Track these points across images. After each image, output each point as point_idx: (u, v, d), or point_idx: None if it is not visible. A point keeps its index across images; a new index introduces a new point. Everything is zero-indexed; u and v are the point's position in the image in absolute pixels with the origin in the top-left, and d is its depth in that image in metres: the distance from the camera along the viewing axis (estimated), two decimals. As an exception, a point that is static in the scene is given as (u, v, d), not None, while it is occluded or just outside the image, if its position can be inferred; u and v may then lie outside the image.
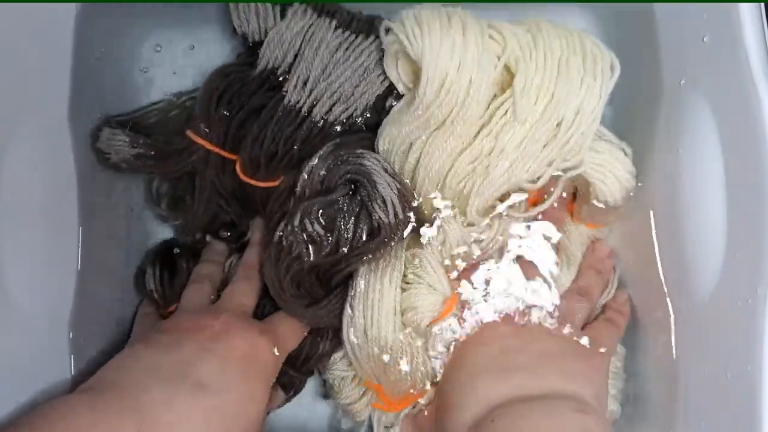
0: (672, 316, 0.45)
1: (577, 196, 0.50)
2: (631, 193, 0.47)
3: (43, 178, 0.47)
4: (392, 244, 0.45)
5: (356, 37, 0.47)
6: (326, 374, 0.50)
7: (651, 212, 0.46)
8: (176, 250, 0.53)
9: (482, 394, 0.41)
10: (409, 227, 0.45)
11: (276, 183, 0.48)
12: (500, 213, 0.47)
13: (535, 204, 0.48)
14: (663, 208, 0.45)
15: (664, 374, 0.45)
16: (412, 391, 0.47)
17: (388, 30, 0.45)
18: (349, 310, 0.45)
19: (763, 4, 0.37)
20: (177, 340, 0.43)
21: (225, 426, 0.40)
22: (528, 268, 0.47)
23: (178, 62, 0.54)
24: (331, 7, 0.48)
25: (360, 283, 0.45)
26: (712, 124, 0.40)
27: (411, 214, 0.45)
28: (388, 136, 0.46)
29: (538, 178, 0.45)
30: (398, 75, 0.46)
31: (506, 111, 0.43)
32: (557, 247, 0.49)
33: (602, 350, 0.45)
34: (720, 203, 0.39)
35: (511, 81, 0.43)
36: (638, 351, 0.49)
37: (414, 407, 0.49)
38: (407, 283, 0.46)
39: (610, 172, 0.46)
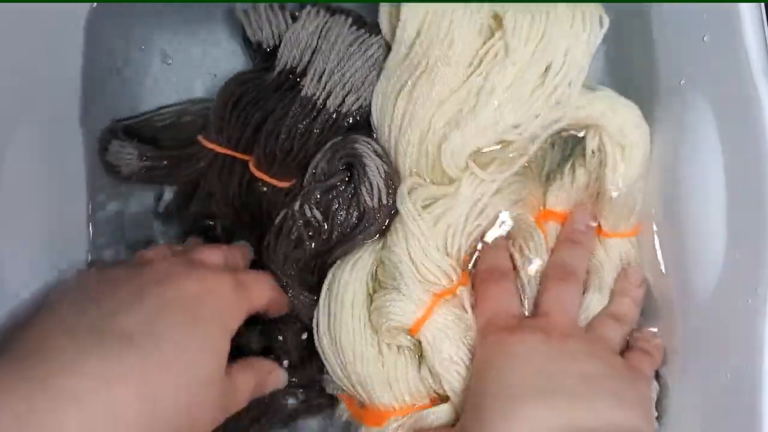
0: (672, 316, 0.45)
1: (598, 196, 0.47)
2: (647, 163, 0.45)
3: (52, 178, 0.48)
4: (373, 229, 0.45)
5: (368, 34, 0.48)
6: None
7: (652, 211, 0.46)
8: None
9: (526, 426, 0.36)
10: (392, 213, 0.45)
11: (289, 183, 0.48)
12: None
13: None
14: (663, 208, 0.45)
15: (664, 374, 0.45)
16: (394, 404, 0.44)
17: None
18: (319, 304, 0.45)
19: (763, 4, 0.37)
20: (110, 288, 0.36)
21: (162, 383, 0.32)
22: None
23: (190, 64, 0.54)
24: (342, 6, 0.49)
25: (329, 274, 0.45)
26: (712, 124, 0.40)
27: (394, 201, 0.45)
28: (380, 90, 0.47)
29: (523, 132, 0.45)
30: (389, 25, 0.47)
31: (496, 53, 0.44)
32: (588, 271, 0.46)
33: (647, 382, 0.42)
34: (720, 203, 0.39)
35: (501, 27, 0.44)
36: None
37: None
38: (379, 283, 0.45)
39: (613, 121, 0.45)
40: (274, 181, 0.48)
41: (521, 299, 0.45)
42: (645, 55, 0.47)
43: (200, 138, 0.49)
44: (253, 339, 0.46)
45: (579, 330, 0.43)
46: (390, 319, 0.43)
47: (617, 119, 0.45)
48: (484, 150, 0.46)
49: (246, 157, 0.49)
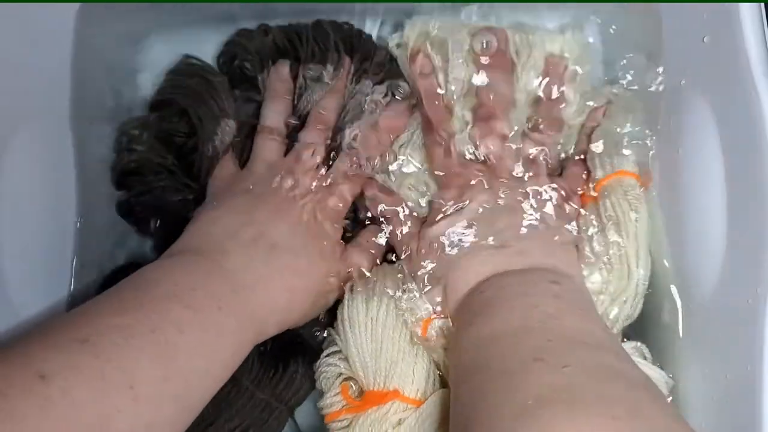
0: (672, 316, 0.45)
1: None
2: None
3: (44, 178, 0.47)
4: None
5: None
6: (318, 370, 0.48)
7: (652, 211, 0.46)
8: None
9: (473, 276, 0.43)
10: None
11: None
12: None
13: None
14: (663, 208, 0.45)
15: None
16: (405, 389, 0.44)
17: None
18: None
19: (763, 4, 0.37)
20: (252, 205, 0.45)
21: (298, 281, 0.44)
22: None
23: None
24: None
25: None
26: (712, 124, 0.40)
27: None
28: None
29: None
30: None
31: None
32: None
33: (576, 202, 0.46)
34: (720, 203, 0.39)
35: None
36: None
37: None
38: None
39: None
40: None
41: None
42: (645, 55, 0.47)
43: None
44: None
45: (516, 175, 0.47)
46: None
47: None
48: None
49: None
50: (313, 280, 0.45)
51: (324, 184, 0.48)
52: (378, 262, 0.49)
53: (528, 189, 0.46)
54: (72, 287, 0.50)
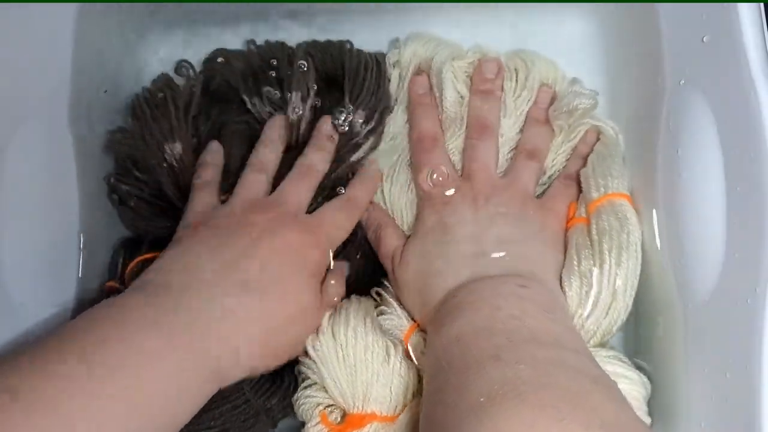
0: (671, 316, 0.45)
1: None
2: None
3: (44, 177, 0.47)
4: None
5: None
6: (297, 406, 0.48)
7: (653, 211, 0.46)
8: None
9: (451, 282, 0.44)
10: None
11: None
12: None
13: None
14: (663, 208, 0.45)
15: (664, 374, 0.45)
16: (382, 409, 0.45)
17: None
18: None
19: (762, 4, 0.37)
20: (223, 242, 0.44)
21: (271, 321, 0.42)
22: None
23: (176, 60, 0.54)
24: None
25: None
26: (712, 124, 0.40)
27: None
28: None
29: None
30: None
31: None
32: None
33: (557, 217, 0.47)
34: (720, 203, 0.39)
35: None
36: (638, 351, 0.49)
37: None
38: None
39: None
40: None
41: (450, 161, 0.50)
42: (645, 55, 0.47)
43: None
44: None
45: (499, 187, 0.47)
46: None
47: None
48: None
49: None
50: (286, 319, 0.43)
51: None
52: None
53: (510, 198, 0.47)
54: (77, 288, 0.50)
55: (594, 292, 0.44)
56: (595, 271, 0.44)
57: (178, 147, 0.49)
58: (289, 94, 0.50)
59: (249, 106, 0.51)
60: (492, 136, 0.49)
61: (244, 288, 0.42)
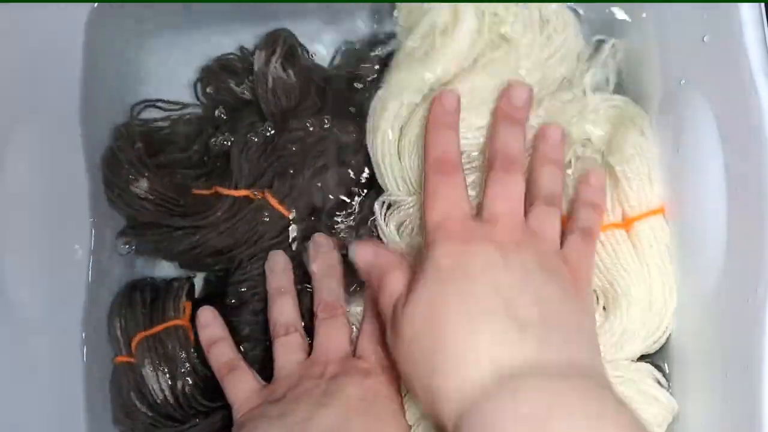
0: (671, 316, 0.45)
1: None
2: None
3: (53, 178, 0.48)
4: None
5: None
6: None
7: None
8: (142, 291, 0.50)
9: (485, 355, 0.33)
10: None
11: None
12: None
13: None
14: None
15: (664, 374, 0.45)
16: None
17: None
18: None
19: (763, 4, 0.37)
20: (291, 408, 0.40)
21: None
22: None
23: (191, 64, 0.54)
24: None
25: None
26: (712, 124, 0.40)
27: None
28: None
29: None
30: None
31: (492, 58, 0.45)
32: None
33: (585, 281, 0.40)
34: (720, 203, 0.39)
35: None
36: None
37: None
38: None
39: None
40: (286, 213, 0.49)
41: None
42: (645, 56, 0.47)
43: (217, 189, 0.49)
44: None
45: (527, 234, 0.39)
46: None
47: (599, 120, 0.46)
48: (465, 150, 0.45)
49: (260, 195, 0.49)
50: None
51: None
52: None
53: (541, 249, 0.39)
54: (86, 288, 0.50)
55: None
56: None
57: (143, 183, 0.48)
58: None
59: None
60: (520, 171, 0.41)
61: None
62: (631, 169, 0.44)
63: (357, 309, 0.47)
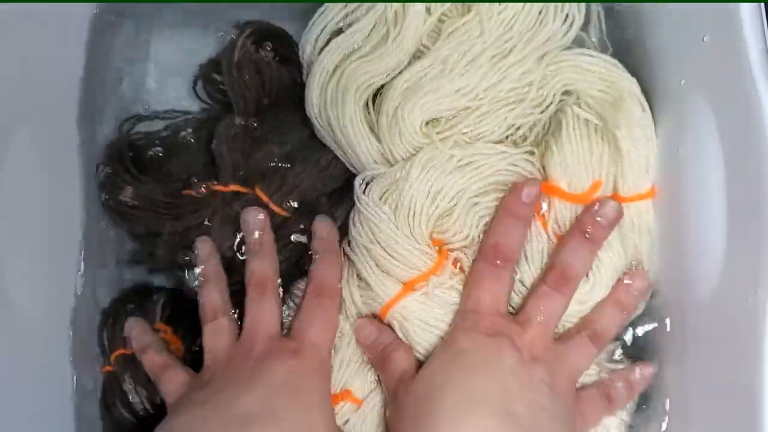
0: (671, 316, 0.45)
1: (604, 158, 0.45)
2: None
3: (48, 179, 0.48)
4: None
5: None
6: None
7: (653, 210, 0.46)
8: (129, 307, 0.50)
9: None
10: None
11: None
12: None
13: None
14: (663, 207, 0.45)
15: (664, 374, 0.45)
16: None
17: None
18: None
19: (763, 4, 0.37)
20: (216, 390, 0.41)
21: None
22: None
23: (191, 67, 0.53)
24: None
25: None
26: (712, 124, 0.40)
27: None
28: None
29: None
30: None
31: (467, 30, 0.45)
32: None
33: (584, 424, 0.42)
34: (720, 203, 0.39)
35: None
36: (638, 352, 0.49)
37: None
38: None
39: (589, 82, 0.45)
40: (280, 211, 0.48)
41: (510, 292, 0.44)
42: (645, 55, 0.47)
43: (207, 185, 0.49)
44: None
45: (550, 353, 0.41)
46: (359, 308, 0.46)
47: (591, 78, 0.45)
48: (443, 116, 0.46)
49: (250, 191, 0.49)
50: None
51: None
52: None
53: (558, 372, 0.41)
54: (78, 290, 0.50)
55: None
56: None
57: (128, 191, 0.49)
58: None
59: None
60: (572, 291, 0.42)
61: (253, 420, 0.39)
62: (637, 151, 0.44)
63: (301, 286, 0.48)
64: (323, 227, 0.47)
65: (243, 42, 0.48)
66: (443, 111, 0.45)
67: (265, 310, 0.45)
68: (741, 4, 0.37)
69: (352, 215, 0.47)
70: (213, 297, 0.46)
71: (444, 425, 0.37)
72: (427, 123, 0.46)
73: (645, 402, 0.46)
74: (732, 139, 0.39)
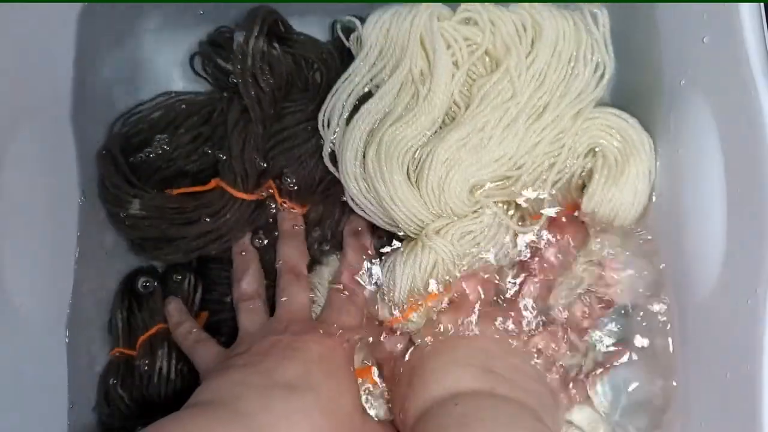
0: (671, 316, 0.45)
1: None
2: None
3: (45, 178, 0.47)
4: None
5: None
6: None
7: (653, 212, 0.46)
8: (145, 283, 0.52)
9: (451, 382, 0.43)
10: None
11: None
12: (487, 202, 0.46)
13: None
14: (663, 208, 0.45)
15: (664, 374, 0.45)
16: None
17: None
18: None
19: (762, 4, 0.37)
20: (256, 359, 0.44)
21: (323, 421, 0.42)
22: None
23: (181, 63, 0.54)
24: None
25: None
26: (712, 124, 0.40)
27: None
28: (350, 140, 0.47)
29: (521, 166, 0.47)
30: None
31: (499, 92, 0.46)
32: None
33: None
34: (720, 203, 0.40)
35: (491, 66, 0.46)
36: (638, 351, 0.49)
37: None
38: None
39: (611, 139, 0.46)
40: (298, 209, 0.51)
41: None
42: (645, 55, 0.47)
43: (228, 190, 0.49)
44: None
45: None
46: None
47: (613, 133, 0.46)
48: (486, 186, 0.47)
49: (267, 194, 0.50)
50: (338, 417, 0.44)
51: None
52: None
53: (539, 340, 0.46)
54: (73, 288, 0.50)
55: None
56: None
57: (135, 204, 0.49)
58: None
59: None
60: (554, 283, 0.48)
61: (292, 389, 0.42)
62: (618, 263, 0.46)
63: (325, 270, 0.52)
64: (354, 225, 0.51)
65: (255, 44, 0.48)
66: (485, 180, 0.47)
67: (300, 293, 0.49)
68: (741, 4, 0.37)
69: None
70: (252, 284, 0.50)
71: (441, 372, 0.44)
72: (470, 190, 0.47)
73: (645, 402, 0.47)
74: (732, 138, 0.39)
